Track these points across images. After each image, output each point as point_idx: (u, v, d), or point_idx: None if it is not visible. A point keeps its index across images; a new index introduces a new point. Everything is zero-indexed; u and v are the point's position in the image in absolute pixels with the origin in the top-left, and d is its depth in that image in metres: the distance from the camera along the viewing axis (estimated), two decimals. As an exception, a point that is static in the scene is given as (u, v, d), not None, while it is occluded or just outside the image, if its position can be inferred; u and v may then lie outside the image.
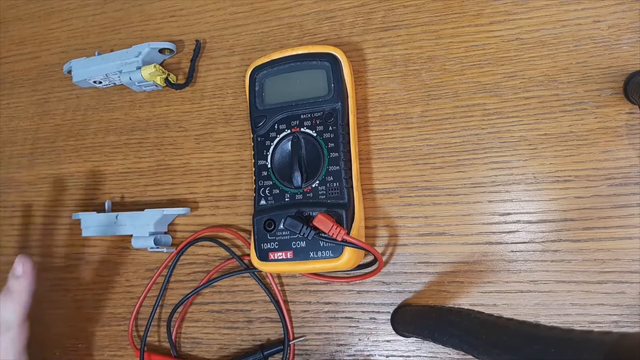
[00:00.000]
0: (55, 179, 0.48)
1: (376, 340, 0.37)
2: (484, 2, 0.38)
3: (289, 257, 0.35)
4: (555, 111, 0.36)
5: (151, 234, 0.41)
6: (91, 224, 0.43)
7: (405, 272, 0.37)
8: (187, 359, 0.41)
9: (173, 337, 0.41)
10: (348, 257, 0.34)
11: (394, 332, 0.37)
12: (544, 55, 0.36)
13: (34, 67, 0.51)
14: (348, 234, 0.34)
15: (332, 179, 0.35)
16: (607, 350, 0.17)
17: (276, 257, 0.35)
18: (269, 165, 0.37)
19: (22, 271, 0.35)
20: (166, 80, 0.44)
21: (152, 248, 0.41)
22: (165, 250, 0.42)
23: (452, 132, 0.37)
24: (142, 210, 0.42)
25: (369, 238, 0.38)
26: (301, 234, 0.34)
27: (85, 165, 0.47)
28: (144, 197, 0.44)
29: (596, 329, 0.20)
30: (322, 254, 0.34)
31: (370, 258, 0.38)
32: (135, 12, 0.48)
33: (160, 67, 0.43)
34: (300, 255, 0.34)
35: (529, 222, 0.35)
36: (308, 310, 0.39)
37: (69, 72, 0.47)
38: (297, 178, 0.35)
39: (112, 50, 0.47)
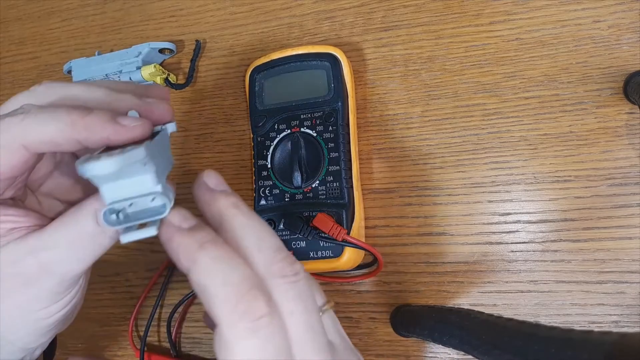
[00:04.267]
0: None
1: (376, 340, 0.37)
2: (484, 2, 0.38)
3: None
4: (555, 111, 0.36)
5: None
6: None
7: (405, 272, 0.37)
8: (187, 359, 0.41)
9: (173, 337, 0.41)
10: (348, 257, 0.34)
11: (394, 332, 0.37)
12: (544, 55, 0.36)
13: (34, 67, 0.51)
14: (348, 234, 0.34)
15: (332, 179, 0.35)
16: (607, 350, 0.17)
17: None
18: (269, 165, 0.37)
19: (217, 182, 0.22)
20: (166, 80, 0.44)
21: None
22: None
23: (452, 132, 0.37)
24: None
25: (369, 238, 0.38)
26: (301, 234, 0.34)
27: (85, 165, 0.47)
28: (144, 197, 0.44)
29: (596, 329, 0.20)
30: (322, 254, 0.34)
31: (370, 258, 0.38)
32: (135, 12, 0.48)
33: (160, 67, 0.43)
34: (300, 255, 0.34)
35: (529, 222, 0.35)
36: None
37: (69, 72, 0.47)
38: (297, 178, 0.35)
39: (112, 50, 0.47)
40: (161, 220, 0.20)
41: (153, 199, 0.20)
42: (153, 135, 0.22)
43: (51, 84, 0.23)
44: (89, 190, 0.26)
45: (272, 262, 0.20)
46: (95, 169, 0.18)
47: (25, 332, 0.24)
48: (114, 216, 0.20)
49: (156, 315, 0.42)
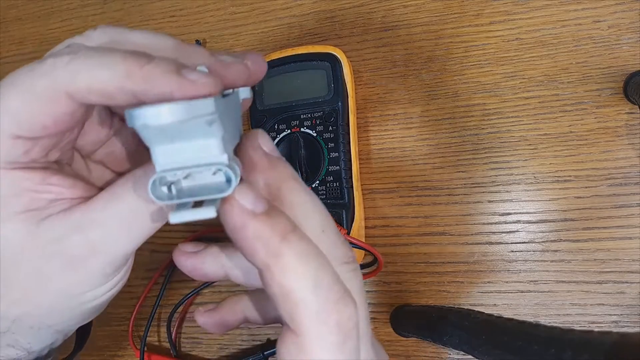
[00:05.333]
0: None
1: (376, 340, 0.37)
2: (484, 2, 0.38)
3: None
4: (555, 111, 0.36)
5: None
6: None
7: (405, 272, 0.37)
8: (187, 359, 0.41)
9: (173, 337, 0.41)
10: (348, 257, 0.34)
11: (394, 332, 0.37)
12: (544, 55, 0.36)
13: (34, 67, 0.51)
14: (348, 234, 0.34)
15: (332, 179, 0.35)
16: (607, 350, 0.17)
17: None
18: (269, 165, 0.37)
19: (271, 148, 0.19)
20: (166, 80, 0.44)
21: None
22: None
23: (452, 132, 0.37)
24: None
25: (369, 238, 0.38)
26: (301, 234, 0.34)
27: (85, 165, 0.47)
28: (144, 197, 0.44)
29: (596, 329, 0.20)
30: (322, 254, 0.34)
31: (370, 258, 0.38)
32: (135, 12, 0.48)
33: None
34: (300, 255, 0.34)
35: (529, 222, 0.35)
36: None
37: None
38: (297, 178, 0.35)
39: (112, 50, 0.47)
40: (221, 200, 0.16)
41: (215, 172, 0.16)
42: (222, 97, 0.18)
43: (109, 27, 0.19)
44: (146, 161, 0.23)
45: (336, 246, 0.17)
46: (148, 117, 0.15)
47: (68, 317, 0.21)
48: (164, 189, 0.16)
49: (156, 315, 0.42)
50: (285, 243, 0.16)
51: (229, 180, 0.16)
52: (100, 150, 0.22)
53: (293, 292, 0.16)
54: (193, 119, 0.15)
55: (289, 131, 0.37)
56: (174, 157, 0.16)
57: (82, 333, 0.28)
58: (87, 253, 0.19)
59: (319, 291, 0.16)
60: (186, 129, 0.15)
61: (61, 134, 0.19)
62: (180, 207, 0.16)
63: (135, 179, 0.18)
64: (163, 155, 0.16)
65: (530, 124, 0.36)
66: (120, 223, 0.18)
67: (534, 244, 0.35)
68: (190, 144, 0.16)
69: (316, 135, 0.36)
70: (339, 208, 0.34)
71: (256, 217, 0.16)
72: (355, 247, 0.34)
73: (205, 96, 0.16)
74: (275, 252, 0.16)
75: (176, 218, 0.16)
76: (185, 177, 0.16)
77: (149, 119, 0.15)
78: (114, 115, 0.22)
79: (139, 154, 0.23)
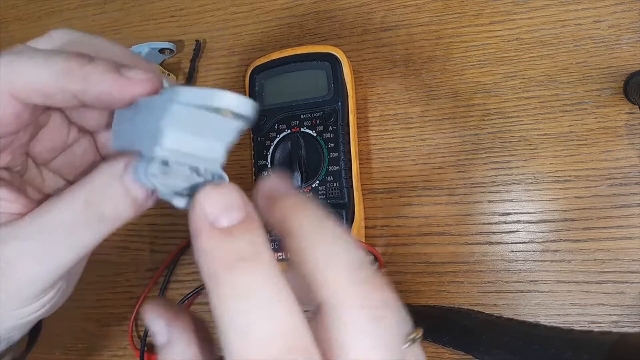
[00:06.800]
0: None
1: (376, 340, 0.37)
2: (484, 2, 0.38)
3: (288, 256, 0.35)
4: (555, 111, 0.36)
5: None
6: None
7: (405, 272, 0.37)
8: (187, 359, 0.41)
9: (173, 337, 0.41)
10: (348, 257, 0.34)
11: (394, 332, 0.36)
12: (544, 55, 0.36)
13: (34, 67, 0.51)
14: (348, 234, 0.34)
15: (332, 179, 0.35)
16: (607, 350, 0.17)
17: (276, 257, 0.35)
18: (269, 166, 0.37)
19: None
20: (166, 80, 0.44)
21: None
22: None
23: (452, 132, 0.37)
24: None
25: (369, 238, 0.38)
26: (301, 234, 0.34)
27: (85, 165, 0.47)
28: (144, 197, 0.44)
29: (596, 329, 0.20)
30: (322, 254, 0.34)
31: (370, 258, 0.38)
32: (135, 12, 0.48)
33: (160, 67, 0.43)
34: (300, 255, 0.34)
35: (529, 222, 0.35)
36: (308, 310, 0.39)
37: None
38: (297, 178, 0.35)
39: (112, 50, 0.47)
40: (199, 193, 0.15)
41: (204, 170, 0.17)
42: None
43: (69, 30, 0.20)
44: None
45: (350, 283, 0.14)
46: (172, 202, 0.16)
47: (3, 329, 0.20)
48: (155, 165, 0.16)
49: (156, 315, 0.42)
50: (228, 271, 0.14)
51: (220, 178, 0.17)
52: (57, 159, 0.22)
53: (220, 326, 0.14)
54: (237, 115, 0.16)
55: (289, 131, 0.37)
56: (181, 144, 0.16)
57: (33, 334, 0.27)
58: (5, 269, 0.17)
59: (246, 341, 0.13)
60: (212, 126, 0.16)
61: (10, 135, 0.18)
62: (178, 194, 0.16)
63: (64, 196, 0.18)
64: (172, 139, 0.16)
65: (530, 124, 0.36)
66: (40, 239, 0.17)
67: (534, 244, 0.35)
68: (201, 139, 0.16)
69: (316, 135, 0.36)
70: (339, 208, 0.34)
71: (212, 230, 0.14)
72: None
73: (147, 93, 0.17)
74: (216, 277, 0.14)
75: (180, 202, 0.16)
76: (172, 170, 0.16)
77: (236, 108, 0.15)
78: (72, 125, 0.21)
79: (96, 166, 0.21)
